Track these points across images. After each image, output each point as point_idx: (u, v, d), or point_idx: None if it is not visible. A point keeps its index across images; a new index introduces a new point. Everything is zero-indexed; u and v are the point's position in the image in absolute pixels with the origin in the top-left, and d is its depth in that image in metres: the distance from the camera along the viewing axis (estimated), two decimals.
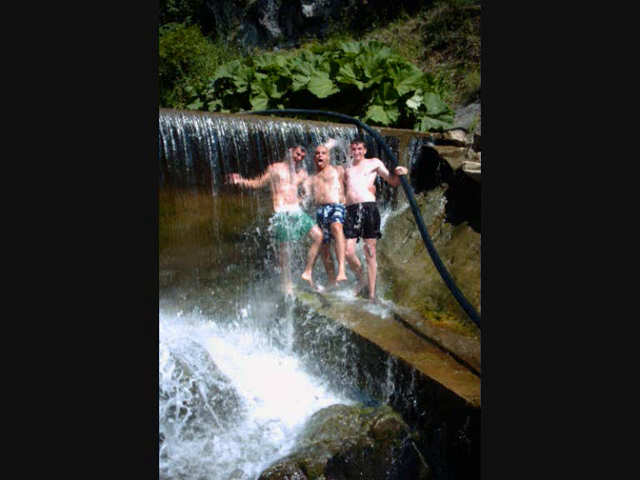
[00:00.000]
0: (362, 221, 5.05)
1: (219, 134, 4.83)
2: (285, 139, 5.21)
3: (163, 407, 3.42)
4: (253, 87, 8.04)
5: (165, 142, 4.55)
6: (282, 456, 3.30)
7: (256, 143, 5.06)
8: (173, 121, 4.61)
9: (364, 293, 5.18)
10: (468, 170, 5.55)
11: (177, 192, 4.78)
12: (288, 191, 5.14)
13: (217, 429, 3.58)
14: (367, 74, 7.22)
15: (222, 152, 4.85)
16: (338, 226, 4.98)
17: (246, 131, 4.98)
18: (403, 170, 5.07)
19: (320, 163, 5.17)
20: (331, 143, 5.45)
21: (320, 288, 5.22)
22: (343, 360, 4.23)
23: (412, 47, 9.47)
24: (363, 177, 5.17)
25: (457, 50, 8.83)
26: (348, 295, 5.19)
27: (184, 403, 3.49)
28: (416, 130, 6.79)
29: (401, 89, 6.95)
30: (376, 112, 6.89)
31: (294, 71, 7.85)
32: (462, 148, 6.25)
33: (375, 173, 5.26)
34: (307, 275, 4.99)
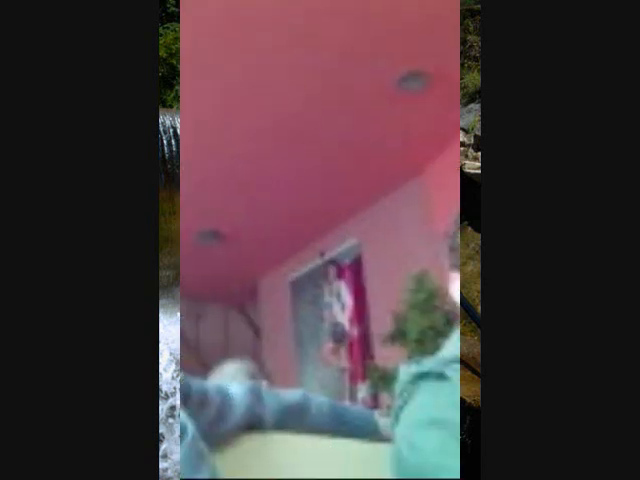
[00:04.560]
0: None
1: None
2: None
3: (163, 407, 3.41)
4: None
5: (165, 142, 4.55)
6: None
7: None
8: (173, 121, 4.61)
9: None
10: (468, 170, 5.54)
11: (177, 192, 4.78)
12: None
13: None
14: None
15: None
16: None
17: None
18: None
19: None
20: None
21: None
22: None
23: None
24: None
25: None
26: None
27: None
28: None
29: None
30: None
31: None
32: (462, 148, 6.24)
33: None
34: None
